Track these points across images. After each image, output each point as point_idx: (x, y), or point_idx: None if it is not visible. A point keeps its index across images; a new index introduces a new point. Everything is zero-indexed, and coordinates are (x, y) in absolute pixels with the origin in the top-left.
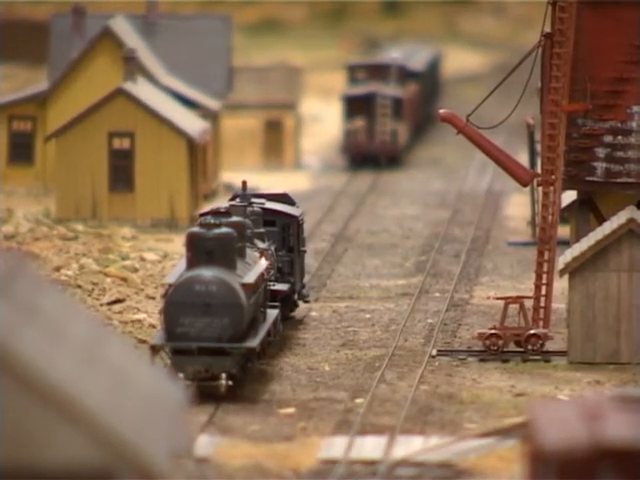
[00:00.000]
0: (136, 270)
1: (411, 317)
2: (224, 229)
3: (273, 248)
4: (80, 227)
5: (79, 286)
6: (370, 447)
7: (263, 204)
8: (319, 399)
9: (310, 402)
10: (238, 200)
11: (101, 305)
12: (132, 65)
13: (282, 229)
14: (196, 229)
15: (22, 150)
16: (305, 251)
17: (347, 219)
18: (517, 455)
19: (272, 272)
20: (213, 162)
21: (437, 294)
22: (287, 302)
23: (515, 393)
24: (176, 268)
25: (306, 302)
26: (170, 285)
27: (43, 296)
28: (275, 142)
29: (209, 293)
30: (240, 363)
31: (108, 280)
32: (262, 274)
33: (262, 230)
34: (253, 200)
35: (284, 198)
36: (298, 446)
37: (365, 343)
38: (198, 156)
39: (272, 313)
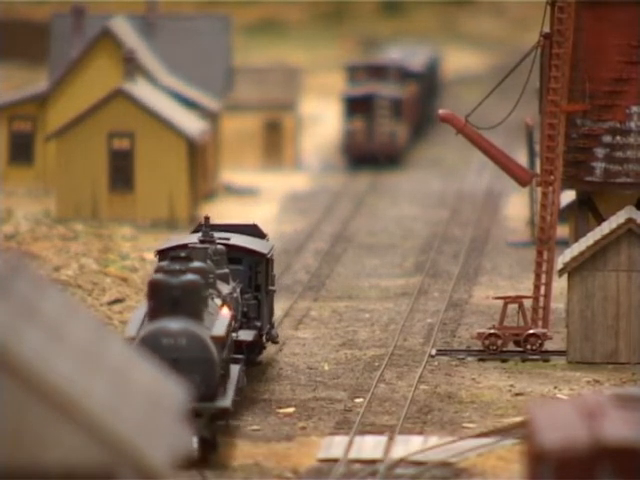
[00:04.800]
0: (136, 270)
1: (410, 317)
2: (190, 276)
3: (238, 290)
4: (80, 227)
5: (79, 286)
6: (370, 447)
7: (228, 240)
8: (318, 399)
9: (309, 402)
10: (201, 235)
11: (101, 305)
12: (132, 65)
13: (249, 268)
14: (159, 276)
15: (22, 150)
16: (274, 290)
17: (346, 219)
18: (516, 455)
19: (234, 324)
20: (213, 162)
21: (436, 294)
22: (253, 349)
23: (514, 393)
24: (133, 319)
25: (275, 343)
26: (132, 338)
27: (43, 296)
28: (275, 142)
29: (178, 347)
30: (211, 425)
31: (108, 280)
32: (229, 324)
33: (226, 271)
34: (217, 236)
35: (253, 230)
36: (298, 446)
37: (364, 343)
38: (198, 156)
39: (234, 368)
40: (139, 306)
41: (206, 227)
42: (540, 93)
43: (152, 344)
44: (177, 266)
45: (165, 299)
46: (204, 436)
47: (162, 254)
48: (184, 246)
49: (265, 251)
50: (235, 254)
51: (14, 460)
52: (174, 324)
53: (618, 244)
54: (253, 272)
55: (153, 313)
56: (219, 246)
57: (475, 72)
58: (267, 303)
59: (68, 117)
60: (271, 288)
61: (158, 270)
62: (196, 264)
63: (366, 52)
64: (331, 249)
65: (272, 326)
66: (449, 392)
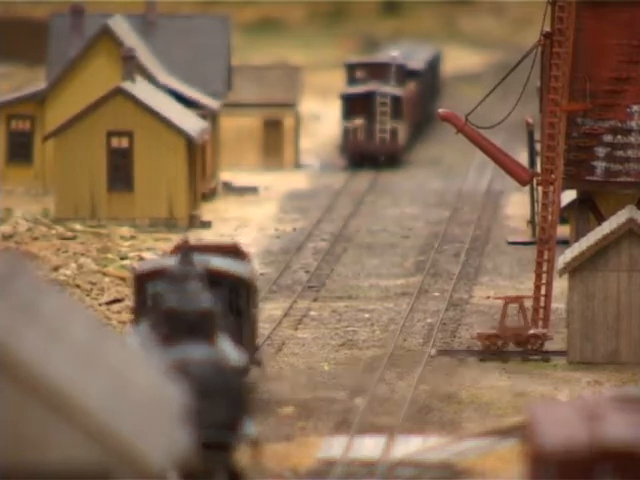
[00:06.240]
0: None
1: (410, 317)
2: (206, 301)
3: None
4: (79, 227)
5: (78, 286)
6: (369, 447)
7: (207, 263)
8: (318, 399)
9: (309, 402)
10: (180, 258)
11: (100, 305)
12: (131, 64)
13: (229, 292)
14: (174, 301)
15: (21, 149)
16: (257, 314)
17: (346, 219)
18: (516, 455)
19: None
20: (212, 161)
21: (436, 294)
22: None
23: (514, 393)
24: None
25: (258, 366)
26: None
27: (42, 296)
28: (274, 141)
29: (204, 376)
30: (236, 457)
31: (107, 280)
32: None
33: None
34: (196, 258)
35: (234, 250)
36: (297, 446)
37: (364, 343)
38: (197, 155)
39: None
40: (131, 330)
41: (184, 249)
42: (541, 92)
43: (177, 374)
44: (187, 289)
45: (180, 326)
46: (232, 469)
47: (141, 277)
48: (162, 270)
49: (246, 274)
50: (214, 277)
51: (12, 459)
52: (197, 352)
53: (619, 244)
54: (233, 296)
55: (167, 339)
56: (197, 270)
57: (475, 71)
58: (249, 327)
59: (67, 116)
60: (253, 311)
61: (164, 293)
62: (194, 286)
63: (366, 51)
64: (331, 249)
65: (256, 349)
66: (449, 392)
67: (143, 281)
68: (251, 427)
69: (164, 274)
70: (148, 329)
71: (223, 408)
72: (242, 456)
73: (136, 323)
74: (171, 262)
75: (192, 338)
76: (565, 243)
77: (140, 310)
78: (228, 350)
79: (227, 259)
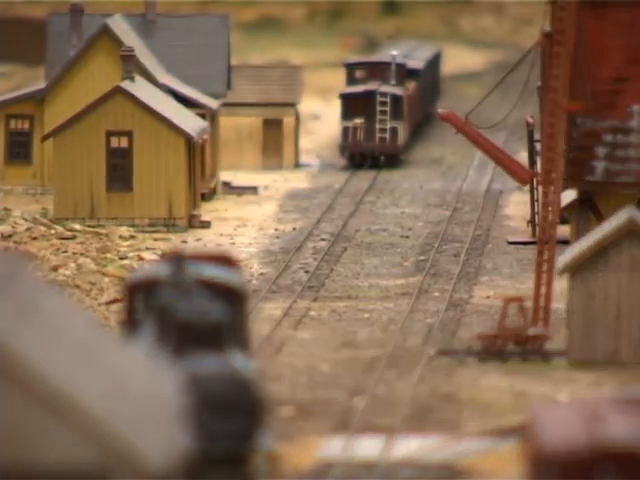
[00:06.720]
0: (134, 270)
1: (410, 317)
2: (216, 313)
3: None
4: (78, 226)
5: (77, 286)
6: (369, 447)
7: (198, 272)
8: (318, 399)
9: (309, 402)
10: (172, 267)
11: (99, 305)
12: (130, 62)
13: (220, 302)
14: (184, 313)
15: (20, 149)
16: (248, 324)
17: (346, 218)
18: (516, 455)
19: None
20: (211, 161)
21: (436, 294)
22: None
23: (514, 393)
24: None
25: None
26: None
27: (42, 296)
28: (274, 141)
29: (219, 390)
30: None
31: (106, 280)
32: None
33: None
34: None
35: (224, 259)
36: (297, 446)
37: (364, 343)
38: (196, 155)
39: None
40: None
41: (176, 258)
42: (541, 92)
43: (191, 387)
44: (195, 300)
45: (193, 337)
46: None
47: (133, 287)
48: (154, 280)
49: (236, 283)
50: (205, 287)
51: (11, 459)
52: (211, 365)
53: (619, 244)
54: (225, 306)
55: (178, 352)
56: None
57: (475, 70)
58: (241, 337)
59: (66, 116)
60: (245, 320)
61: (172, 303)
62: (201, 296)
63: (366, 51)
64: (331, 248)
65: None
66: (449, 392)
67: (135, 291)
68: (268, 440)
69: (156, 284)
70: (153, 340)
71: (237, 421)
72: (257, 468)
73: (128, 333)
74: (163, 271)
75: (204, 350)
76: (565, 243)
77: (132, 320)
78: (240, 362)
79: (217, 268)
